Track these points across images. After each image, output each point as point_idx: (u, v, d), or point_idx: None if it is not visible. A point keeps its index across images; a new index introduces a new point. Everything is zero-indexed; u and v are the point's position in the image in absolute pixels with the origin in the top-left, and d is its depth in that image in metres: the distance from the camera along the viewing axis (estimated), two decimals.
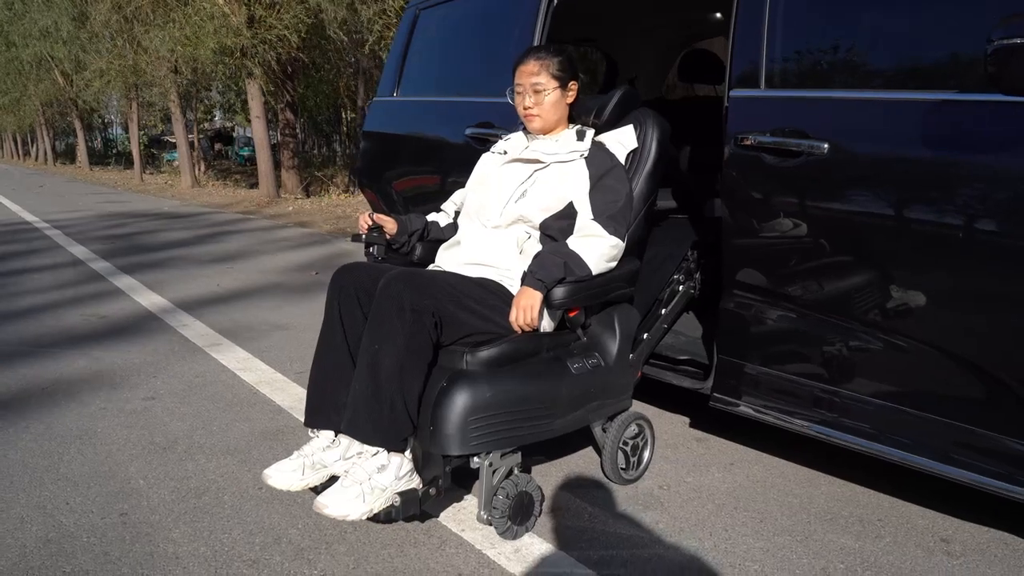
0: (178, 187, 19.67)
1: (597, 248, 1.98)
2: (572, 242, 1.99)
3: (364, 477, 1.75)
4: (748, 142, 2.13)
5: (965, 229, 1.74)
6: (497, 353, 1.90)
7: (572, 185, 2.06)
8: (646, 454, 2.35)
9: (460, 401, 1.80)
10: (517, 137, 2.27)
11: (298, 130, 19.45)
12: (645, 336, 2.50)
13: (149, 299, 4.86)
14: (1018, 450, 1.73)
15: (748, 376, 2.22)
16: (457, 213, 2.33)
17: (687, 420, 2.82)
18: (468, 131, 3.00)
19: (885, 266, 1.90)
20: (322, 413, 1.94)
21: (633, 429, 2.29)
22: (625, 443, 2.27)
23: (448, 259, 2.17)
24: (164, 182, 23.12)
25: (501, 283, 2.01)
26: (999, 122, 1.69)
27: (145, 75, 17.76)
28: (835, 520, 2.06)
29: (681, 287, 2.63)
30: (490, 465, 1.88)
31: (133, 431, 2.72)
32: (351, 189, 16.77)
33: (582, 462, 2.45)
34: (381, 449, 1.78)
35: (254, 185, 20.13)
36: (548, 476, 2.34)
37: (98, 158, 39.10)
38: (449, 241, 2.24)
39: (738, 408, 2.25)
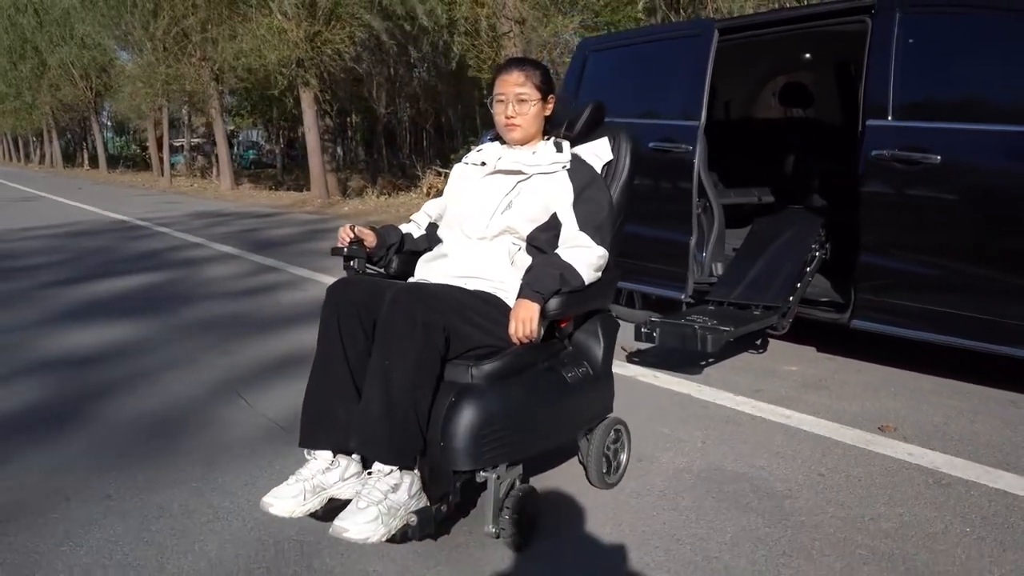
0: (214, 189, 20.65)
1: (586, 258, 2.02)
2: (563, 253, 2.03)
3: (380, 497, 1.73)
4: (880, 154, 3.31)
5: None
6: (501, 366, 1.91)
7: (556, 196, 2.10)
8: (623, 457, 2.41)
9: (471, 416, 1.80)
10: (491, 147, 2.28)
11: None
12: (798, 286, 3.69)
13: None
14: None
15: (879, 306, 3.40)
16: (432, 225, 2.33)
17: (814, 348, 3.99)
18: (652, 144, 4.16)
19: (972, 231, 3.09)
20: (321, 433, 1.91)
21: (613, 435, 2.35)
22: (608, 448, 2.33)
23: (434, 271, 2.14)
24: (190, 184, 24.12)
25: (497, 295, 2.03)
26: None
27: (187, 82, 18.82)
28: (940, 394, 3.25)
29: (818, 254, 3.82)
30: (498, 478, 1.88)
31: None
32: (386, 191, 17.85)
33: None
34: (394, 468, 1.78)
35: (273, 187, 21.18)
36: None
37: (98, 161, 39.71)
38: (431, 253, 2.23)
39: (874, 327, 3.42)
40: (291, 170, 30.02)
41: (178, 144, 40.11)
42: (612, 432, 2.34)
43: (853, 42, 4.06)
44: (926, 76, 3.30)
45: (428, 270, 2.16)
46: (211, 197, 17.98)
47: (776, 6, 9.32)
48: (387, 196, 16.78)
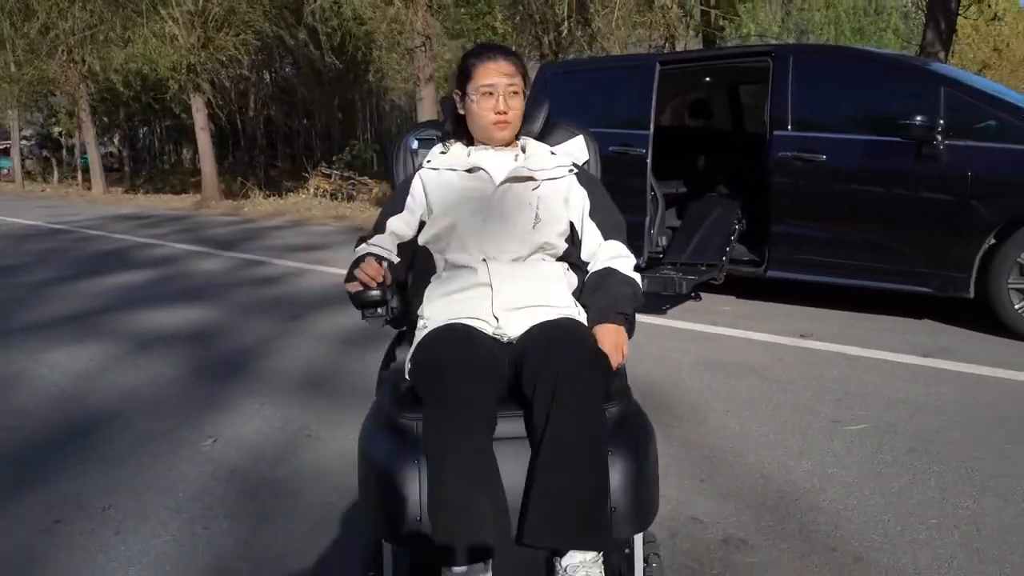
0: (78, 193, 20.15)
1: (631, 268, 1.81)
2: (616, 265, 1.79)
3: None
4: (783, 155, 4.82)
5: (882, 189, 4.53)
6: (627, 402, 1.63)
7: (572, 205, 1.86)
8: None
9: (633, 464, 1.50)
10: (458, 149, 1.90)
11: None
12: (729, 249, 5.15)
13: (344, 270, 6.74)
14: (916, 270, 4.50)
15: (787, 260, 4.90)
16: (404, 247, 1.87)
17: (734, 296, 5.47)
18: (611, 148, 5.50)
19: (848, 206, 4.65)
20: (474, 542, 1.42)
21: None
22: None
23: (474, 305, 1.71)
24: (42, 189, 23.24)
25: None
26: (895, 149, 4.47)
27: (52, 84, 18.37)
28: (833, 318, 4.78)
29: (738, 227, 5.30)
30: (644, 538, 1.59)
31: None
32: (269, 193, 18.23)
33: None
34: (599, 554, 1.47)
35: (134, 190, 20.87)
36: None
37: None
38: (450, 284, 1.77)
39: (784, 275, 4.92)
40: (137, 173, 28.93)
41: (1, 147, 37.41)
42: None
43: (744, 72, 5.62)
44: (813, 100, 4.84)
45: (465, 304, 1.71)
46: (86, 201, 17.67)
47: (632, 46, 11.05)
48: (276, 197, 17.22)
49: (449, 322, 1.65)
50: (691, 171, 6.53)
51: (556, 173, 1.85)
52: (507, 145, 1.87)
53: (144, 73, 14.65)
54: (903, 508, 2.27)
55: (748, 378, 3.56)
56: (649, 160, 5.33)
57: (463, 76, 1.83)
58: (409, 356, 1.65)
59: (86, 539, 2.15)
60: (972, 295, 4.23)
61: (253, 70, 19.34)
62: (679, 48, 11.70)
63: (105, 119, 31.25)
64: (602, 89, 5.78)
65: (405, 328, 1.89)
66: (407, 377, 1.64)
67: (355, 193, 16.35)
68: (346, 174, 16.90)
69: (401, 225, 1.86)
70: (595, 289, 1.75)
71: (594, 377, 1.49)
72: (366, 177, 17.04)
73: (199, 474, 2.56)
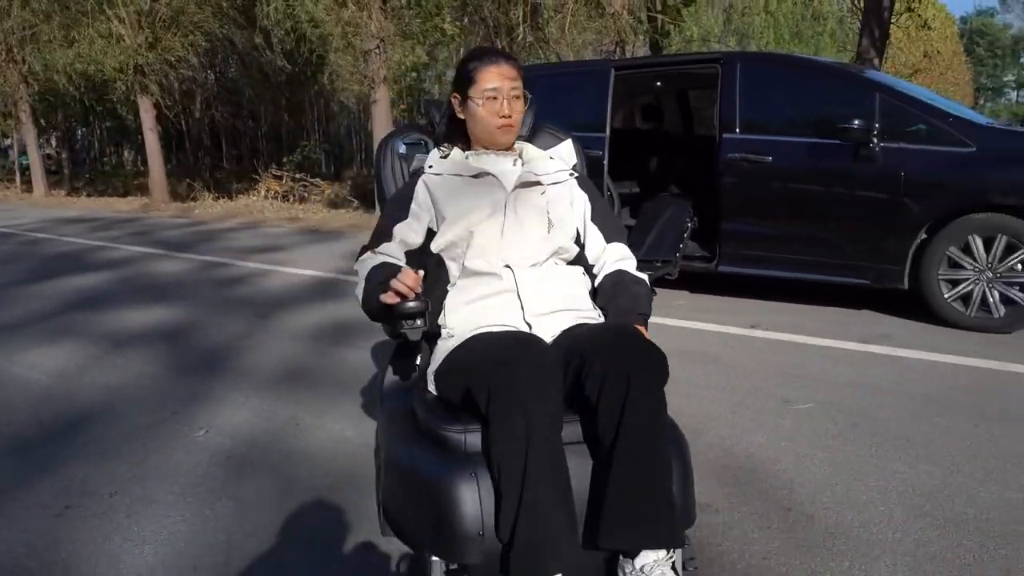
0: (17, 195, 19.64)
1: (635, 268, 1.84)
2: (624, 266, 1.83)
3: None
4: (732, 156, 5.11)
5: (823, 188, 4.85)
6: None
7: (576, 209, 1.86)
8: None
9: (683, 466, 1.54)
10: (456, 154, 1.87)
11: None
12: (682, 246, 5.42)
13: (306, 270, 6.87)
14: (855, 264, 4.83)
15: (736, 255, 5.20)
16: (411, 254, 1.81)
17: (687, 291, 5.76)
18: None
19: (792, 204, 4.96)
20: (558, 556, 1.40)
21: None
22: None
23: (503, 312, 1.69)
24: None
25: None
26: (835, 151, 4.79)
27: None
28: (780, 310, 5.09)
29: (690, 223, 5.58)
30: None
31: None
32: (219, 195, 18.08)
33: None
34: (673, 550, 1.46)
35: (76, 193, 20.42)
36: None
37: None
38: (472, 292, 1.73)
39: (734, 270, 5.22)
40: (77, 175, 28.02)
41: None
42: None
43: (694, 77, 5.90)
44: (759, 105, 5.15)
45: (494, 312, 1.70)
46: (28, 204, 17.27)
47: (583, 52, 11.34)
48: (226, 199, 17.07)
49: (503, 328, 1.61)
50: (644, 172, 6.82)
51: (559, 177, 1.86)
52: (507, 149, 1.86)
53: (89, 74, 14.37)
54: (848, 474, 2.54)
55: (704, 365, 3.81)
56: (606, 161, 5.58)
57: (464, 80, 1.82)
58: (433, 369, 1.66)
59: (99, 522, 2.28)
60: (906, 286, 4.58)
61: (202, 71, 19.10)
62: (628, 52, 12.06)
63: (43, 120, 30.42)
64: (560, 93, 6.00)
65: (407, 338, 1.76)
66: (431, 390, 1.64)
67: (307, 195, 16.33)
68: (297, 176, 16.86)
69: (409, 232, 1.80)
70: (612, 291, 1.78)
71: (659, 379, 1.49)
72: (318, 179, 17.02)
73: (196, 462, 2.70)
